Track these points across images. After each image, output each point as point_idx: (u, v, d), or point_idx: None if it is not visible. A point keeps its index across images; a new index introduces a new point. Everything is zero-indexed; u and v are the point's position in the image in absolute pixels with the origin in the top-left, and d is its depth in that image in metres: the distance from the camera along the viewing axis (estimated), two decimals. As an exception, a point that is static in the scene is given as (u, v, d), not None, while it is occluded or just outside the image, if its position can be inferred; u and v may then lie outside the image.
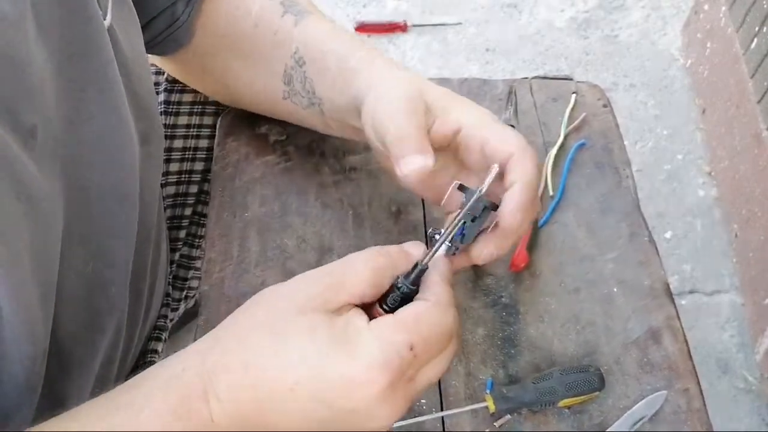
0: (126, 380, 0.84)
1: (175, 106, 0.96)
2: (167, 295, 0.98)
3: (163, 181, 0.97)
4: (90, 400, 0.54)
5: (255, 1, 0.80)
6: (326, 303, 0.53)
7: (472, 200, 0.58)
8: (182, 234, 1.02)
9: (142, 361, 0.90)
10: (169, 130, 0.96)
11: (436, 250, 0.56)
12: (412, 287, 0.55)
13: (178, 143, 0.97)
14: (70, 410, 0.53)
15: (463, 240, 0.60)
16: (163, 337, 0.94)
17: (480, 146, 0.64)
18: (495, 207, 0.61)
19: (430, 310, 0.53)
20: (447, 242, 0.58)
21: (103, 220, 0.67)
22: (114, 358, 0.78)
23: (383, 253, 0.56)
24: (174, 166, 0.98)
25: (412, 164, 0.62)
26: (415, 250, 0.58)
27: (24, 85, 0.53)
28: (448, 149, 0.67)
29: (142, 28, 0.77)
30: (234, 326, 0.55)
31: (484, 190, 0.58)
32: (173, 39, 0.82)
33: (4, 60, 0.51)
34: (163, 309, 0.96)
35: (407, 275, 0.55)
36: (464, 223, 0.59)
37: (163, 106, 0.95)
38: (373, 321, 0.52)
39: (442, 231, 0.59)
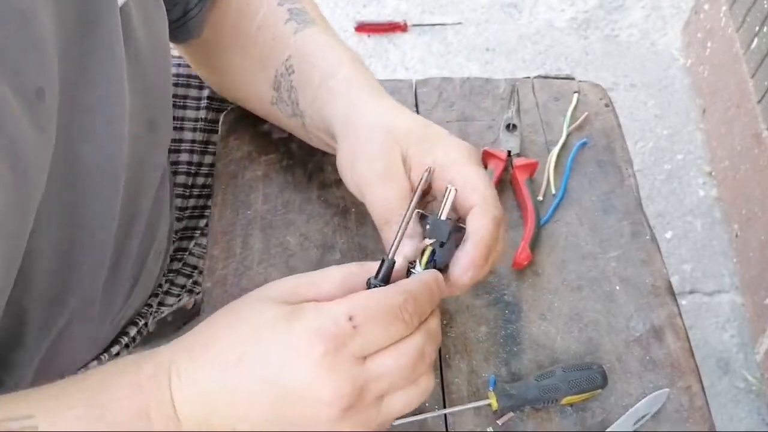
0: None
1: (181, 100, 0.97)
2: (159, 285, 0.97)
3: (174, 170, 0.98)
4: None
5: (263, 4, 0.80)
6: (292, 295, 0.54)
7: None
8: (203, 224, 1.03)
9: (114, 343, 0.89)
10: (178, 123, 0.97)
11: (399, 242, 0.57)
12: (382, 284, 0.55)
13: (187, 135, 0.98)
14: (47, 384, 0.55)
15: (436, 266, 0.60)
16: (140, 323, 0.92)
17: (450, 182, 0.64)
18: (459, 228, 0.61)
19: (378, 290, 0.53)
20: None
21: (85, 196, 0.66)
22: (79, 332, 0.77)
23: (359, 264, 0.57)
24: (184, 157, 0.99)
25: (400, 252, 0.60)
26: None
27: (31, 43, 0.52)
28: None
29: None
30: (212, 315, 0.57)
31: (443, 216, 0.59)
32: (184, 30, 0.83)
33: (12, 13, 0.50)
34: (152, 298, 0.95)
35: (377, 273, 0.56)
36: (434, 250, 0.59)
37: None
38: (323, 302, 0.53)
39: (416, 262, 0.59)
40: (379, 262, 0.56)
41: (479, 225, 0.61)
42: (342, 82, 0.73)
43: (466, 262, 0.60)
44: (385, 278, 0.55)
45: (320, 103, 0.73)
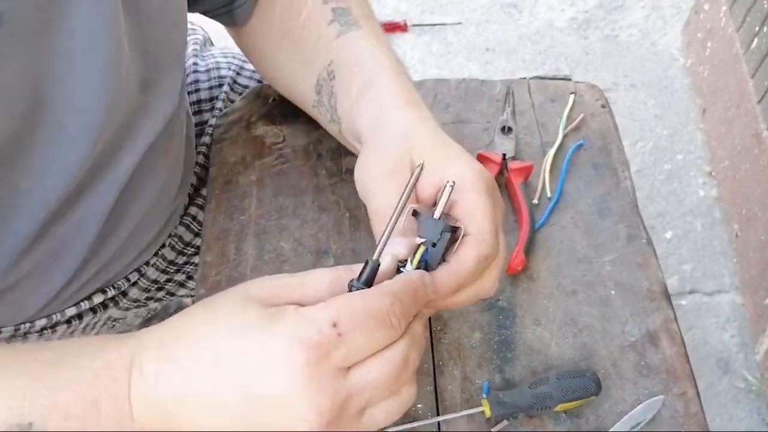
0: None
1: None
2: (147, 263, 0.93)
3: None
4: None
5: (307, 2, 0.79)
6: (275, 297, 0.51)
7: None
8: None
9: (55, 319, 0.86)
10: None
11: (385, 243, 0.54)
12: (364, 287, 0.52)
13: None
14: None
15: (427, 267, 0.57)
16: (111, 293, 0.88)
17: (450, 208, 0.62)
18: (453, 229, 0.58)
19: (363, 293, 0.50)
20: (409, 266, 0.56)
21: (50, 140, 0.62)
22: (21, 285, 0.74)
23: (348, 267, 0.54)
24: None
25: (391, 250, 0.57)
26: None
27: None
28: None
29: None
30: (185, 309, 0.53)
31: (437, 215, 0.56)
32: (230, 16, 0.82)
33: None
34: (134, 274, 0.91)
35: (360, 275, 0.53)
36: (426, 250, 0.56)
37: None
38: (305, 306, 0.49)
39: (407, 261, 0.56)
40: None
41: (461, 258, 0.58)
42: (378, 93, 0.71)
43: (441, 289, 0.57)
44: (368, 281, 0.52)
45: (355, 114, 0.72)
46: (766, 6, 1.83)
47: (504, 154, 0.87)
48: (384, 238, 0.54)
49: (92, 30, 0.60)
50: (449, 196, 0.57)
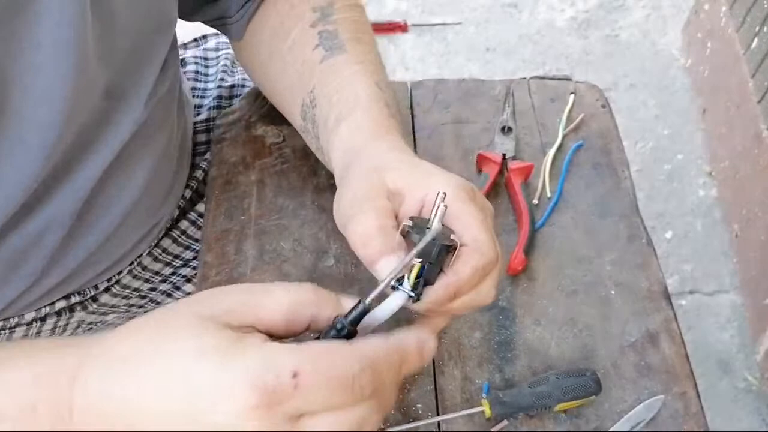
0: None
1: None
2: (120, 272, 0.91)
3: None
4: None
5: (296, 24, 0.78)
6: (229, 317, 0.48)
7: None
8: None
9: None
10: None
11: (383, 289, 0.51)
12: (350, 328, 0.49)
13: None
14: None
15: (424, 285, 0.55)
16: (75, 299, 0.87)
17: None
18: (448, 248, 0.55)
19: (338, 348, 0.47)
20: (410, 292, 0.53)
21: (6, 148, 0.61)
22: None
23: (309, 290, 0.51)
24: None
25: (388, 265, 0.55)
26: (350, 303, 0.51)
27: None
28: None
29: (197, 6, 0.80)
30: (136, 321, 0.51)
31: (433, 234, 0.53)
32: (225, 31, 0.83)
33: None
34: (106, 282, 0.90)
35: (348, 313, 0.50)
36: (422, 267, 0.54)
37: None
38: (272, 342, 0.47)
39: (404, 278, 0.53)
40: (334, 295, 0.52)
41: (457, 269, 0.56)
42: (350, 129, 0.69)
43: (427, 296, 0.56)
44: (355, 322, 0.50)
45: (330, 146, 0.70)
46: (766, 6, 1.83)
47: (504, 154, 0.87)
48: (383, 285, 0.51)
49: (57, 43, 0.59)
50: (444, 211, 0.54)
